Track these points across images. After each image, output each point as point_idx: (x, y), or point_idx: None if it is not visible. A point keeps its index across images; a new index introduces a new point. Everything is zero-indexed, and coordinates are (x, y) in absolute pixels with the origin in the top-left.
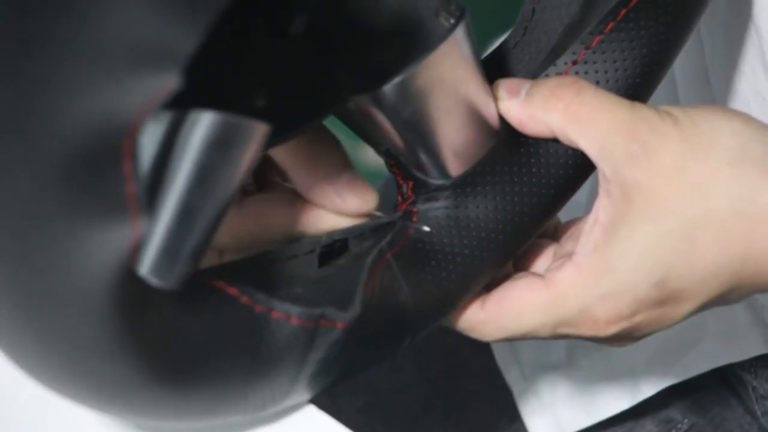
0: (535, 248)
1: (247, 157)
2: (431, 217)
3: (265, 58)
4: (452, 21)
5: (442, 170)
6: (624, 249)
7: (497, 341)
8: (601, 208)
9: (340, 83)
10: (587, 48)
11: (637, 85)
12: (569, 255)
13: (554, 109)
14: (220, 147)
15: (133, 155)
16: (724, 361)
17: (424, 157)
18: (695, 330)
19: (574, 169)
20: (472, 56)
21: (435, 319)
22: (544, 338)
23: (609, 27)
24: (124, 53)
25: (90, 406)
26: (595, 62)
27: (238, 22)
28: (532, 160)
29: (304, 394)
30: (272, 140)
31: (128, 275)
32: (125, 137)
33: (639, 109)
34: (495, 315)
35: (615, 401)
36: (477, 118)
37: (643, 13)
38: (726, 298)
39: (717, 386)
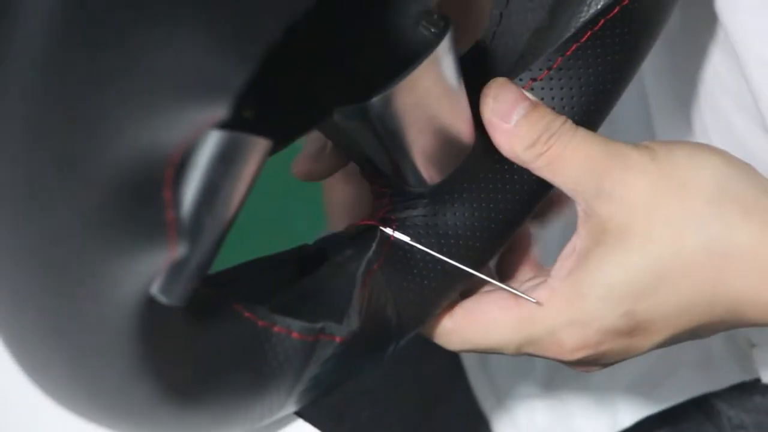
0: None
1: (251, 171)
2: (410, 225)
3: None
4: (433, 30)
5: (421, 178)
6: (594, 278)
7: (461, 351)
8: (578, 237)
9: (324, 94)
10: (563, 55)
11: (608, 91)
12: (545, 277)
13: (534, 153)
14: (226, 163)
15: (174, 182)
16: (700, 391)
17: (403, 166)
18: (672, 359)
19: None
20: (455, 67)
21: (416, 327)
22: (507, 354)
23: (587, 36)
24: (175, 89)
25: (105, 425)
26: (569, 69)
27: None
28: (506, 167)
29: (293, 407)
30: None
31: (150, 297)
32: (167, 166)
33: (614, 146)
34: (462, 326)
35: (593, 431)
36: (456, 128)
37: (619, 22)
38: (696, 332)
39: (694, 414)
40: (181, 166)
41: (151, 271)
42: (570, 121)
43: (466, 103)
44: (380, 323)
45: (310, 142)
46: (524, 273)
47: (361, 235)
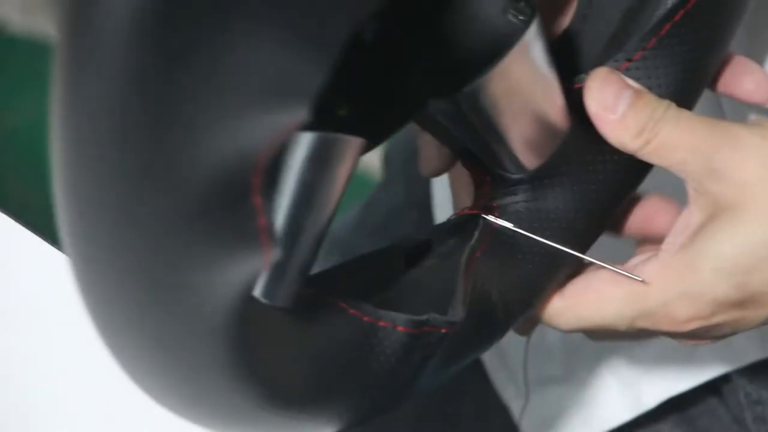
0: None
1: (346, 171)
2: (512, 211)
3: (342, 68)
4: (521, 18)
5: (519, 164)
6: (707, 251)
7: (573, 331)
8: (690, 213)
9: (416, 88)
10: (657, 35)
11: (703, 68)
12: (655, 251)
13: (641, 141)
14: (321, 164)
15: (263, 188)
16: (722, 370)
17: (501, 153)
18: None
19: None
20: (545, 52)
21: (522, 313)
22: (619, 331)
23: (679, 15)
24: (256, 93)
25: (212, 428)
26: (664, 48)
27: None
28: (605, 147)
29: (405, 402)
30: None
31: (249, 300)
32: (254, 171)
33: (722, 125)
34: (574, 304)
35: (615, 414)
36: (551, 112)
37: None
38: None
39: (704, 396)
40: (269, 172)
41: (247, 277)
42: (674, 105)
43: (558, 87)
44: (486, 311)
45: (424, 143)
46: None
47: (463, 224)
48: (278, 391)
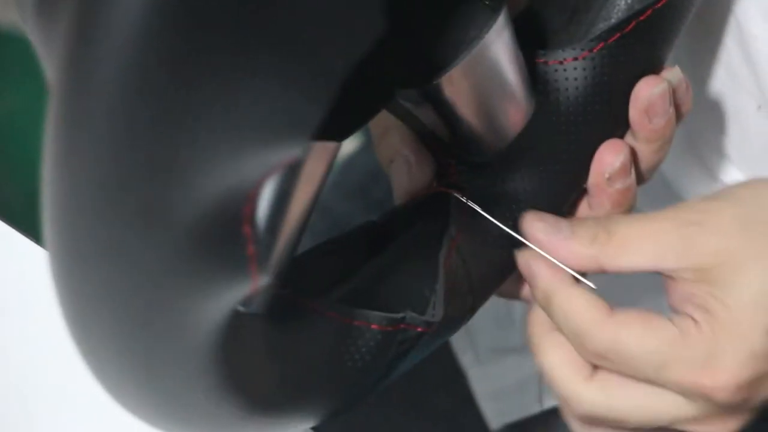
0: None
1: (321, 176)
2: (479, 196)
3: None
4: (489, 3)
5: (486, 148)
6: (735, 291)
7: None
8: (677, 290)
9: (388, 79)
10: (605, 41)
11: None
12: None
13: (598, 247)
14: (296, 171)
15: (252, 218)
16: None
17: (467, 138)
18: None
19: (608, 133)
20: (512, 38)
21: (486, 299)
22: (642, 373)
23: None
24: (255, 133)
25: None
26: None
27: None
28: (570, 128)
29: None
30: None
31: (233, 315)
32: (246, 203)
33: (679, 212)
34: (620, 322)
35: None
36: (516, 96)
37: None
38: None
39: None
40: (258, 201)
41: (234, 301)
42: (616, 216)
43: (525, 71)
44: (458, 303)
45: (396, 173)
46: None
47: (427, 206)
48: (258, 398)
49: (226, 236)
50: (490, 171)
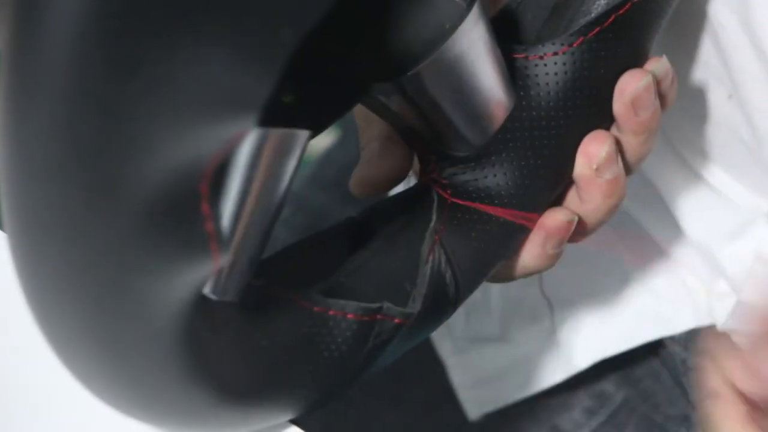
0: None
1: (293, 165)
2: (461, 190)
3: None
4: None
5: (465, 143)
6: None
7: None
8: None
9: (361, 72)
10: (585, 36)
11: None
12: None
13: None
14: (265, 159)
15: (210, 196)
16: (654, 336)
17: (446, 133)
18: (626, 305)
19: (590, 127)
20: (488, 31)
21: (472, 290)
22: None
23: (610, 20)
24: (203, 106)
25: (167, 428)
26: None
27: None
28: (551, 122)
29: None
30: None
31: (199, 301)
32: (202, 180)
33: None
34: None
35: (549, 374)
36: (495, 89)
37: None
38: None
39: (648, 358)
40: (216, 177)
41: (197, 281)
42: None
43: (502, 65)
44: (440, 295)
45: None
46: None
47: (409, 200)
48: (230, 386)
49: (183, 213)
50: (472, 166)
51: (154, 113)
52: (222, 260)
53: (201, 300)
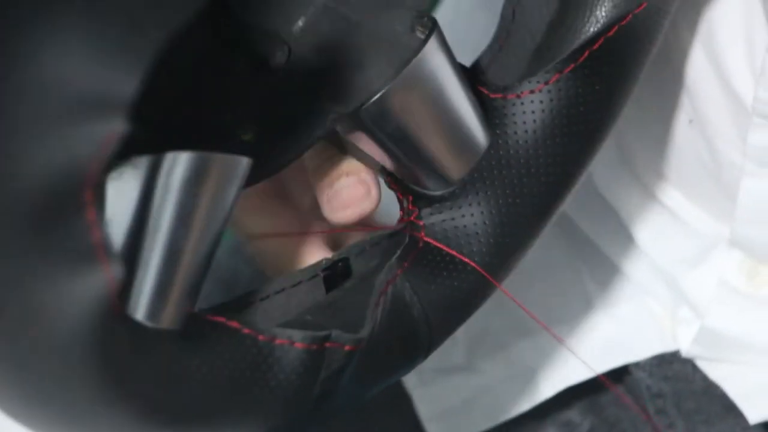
0: None
1: (231, 192)
2: (438, 230)
3: (248, 93)
4: (425, 31)
5: (439, 181)
6: None
7: None
8: None
9: (325, 110)
10: (561, 73)
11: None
12: None
13: None
14: (200, 185)
15: (96, 203)
16: (618, 363)
17: (417, 171)
18: (591, 331)
19: (569, 166)
20: (450, 65)
21: (448, 332)
22: None
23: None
24: (63, 105)
25: None
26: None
27: (219, 60)
28: (530, 161)
29: (314, 422)
30: (262, 173)
31: (114, 320)
32: (84, 186)
33: None
34: None
35: (515, 404)
36: (464, 126)
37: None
38: None
39: (613, 385)
40: (101, 186)
41: (96, 291)
42: None
43: (470, 99)
44: (404, 330)
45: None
46: None
47: (385, 242)
48: (158, 413)
49: (66, 220)
50: (448, 205)
51: (15, 114)
52: (113, 272)
53: (120, 319)
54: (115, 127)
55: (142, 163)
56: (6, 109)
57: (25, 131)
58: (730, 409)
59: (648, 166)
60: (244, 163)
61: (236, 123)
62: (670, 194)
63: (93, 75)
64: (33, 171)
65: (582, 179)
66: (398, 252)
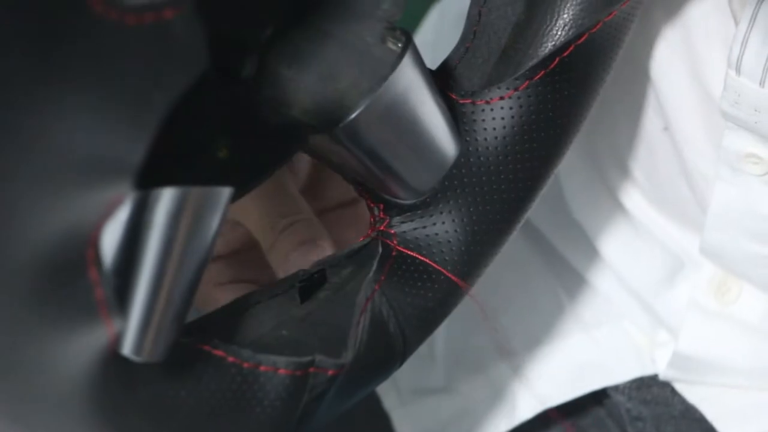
0: None
1: (215, 222)
2: (410, 238)
3: (219, 107)
4: (399, 45)
5: (410, 191)
6: None
7: None
8: None
9: (297, 124)
10: (531, 79)
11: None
12: None
13: None
14: (185, 219)
15: (97, 261)
16: (598, 386)
17: (390, 181)
18: (569, 355)
19: (537, 169)
20: (423, 77)
21: (420, 342)
22: None
23: (554, 63)
24: (73, 172)
25: None
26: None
27: None
28: (499, 168)
29: None
30: (239, 190)
31: (109, 364)
32: (87, 247)
33: None
34: None
35: (493, 426)
36: (436, 136)
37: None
38: None
39: (594, 408)
40: (110, 246)
41: (97, 344)
42: None
43: (443, 110)
44: (383, 345)
45: None
46: None
47: (359, 251)
48: None
49: (70, 281)
50: (419, 214)
51: (24, 179)
52: (115, 327)
53: (113, 360)
54: (121, 191)
55: (127, 202)
56: (16, 175)
57: (35, 197)
58: None
59: (619, 170)
60: (225, 193)
61: (209, 140)
62: (639, 204)
63: (101, 144)
64: (42, 234)
65: (549, 182)
66: (374, 265)
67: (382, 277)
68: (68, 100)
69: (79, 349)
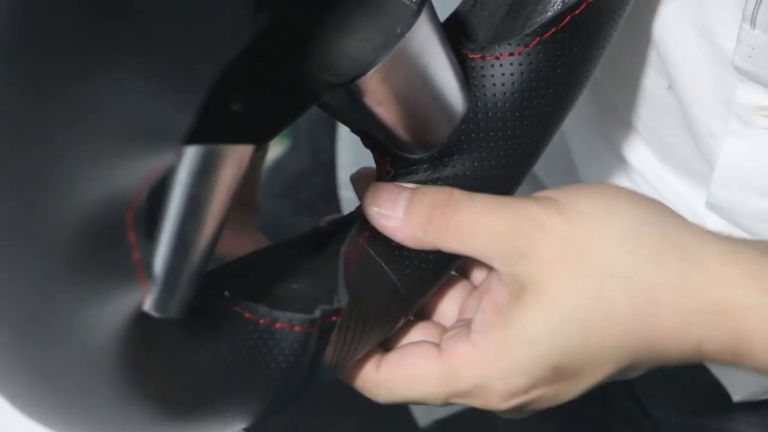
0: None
1: (234, 179)
2: None
3: (233, 62)
4: (415, 1)
5: (420, 145)
6: (519, 336)
7: (389, 404)
8: (498, 293)
9: (311, 77)
10: (541, 36)
11: (577, 81)
12: (467, 325)
13: (433, 229)
14: (207, 176)
15: (136, 224)
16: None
17: (400, 136)
18: None
19: (543, 126)
20: (438, 34)
21: (422, 298)
22: (435, 406)
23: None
24: (123, 138)
25: None
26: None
27: None
28: (507, 123)
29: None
30: (255, 141)
31: (136, 321)
32: (128, 211)
33: (519, 205)
34: (388, 379)
35: None
36: (448, 92)
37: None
38: (624, 374)
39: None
40: (146, 204)
41: (129, 307)
42: (458, 191)
43: (455, 68)
44: (381, 292)
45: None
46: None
47: (361, 213)
48: (171, 403)
49: (110, 244)
50: (426, 168)
51: (73, 148)
52: (150, 288)
53: (139, 319)
54: (166, 158)
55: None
56: (70, 140)
57: (86, 162)
58: None
59: (624, 125)
60: (246, 150)
61: (224, 94)
62: (645, 160)
63: (151, 110)
64: (87, 198)
65: (553, 137)
66: (357, 223)
67: (366, 233)
68: (121, 67)
69: (113, 310)
